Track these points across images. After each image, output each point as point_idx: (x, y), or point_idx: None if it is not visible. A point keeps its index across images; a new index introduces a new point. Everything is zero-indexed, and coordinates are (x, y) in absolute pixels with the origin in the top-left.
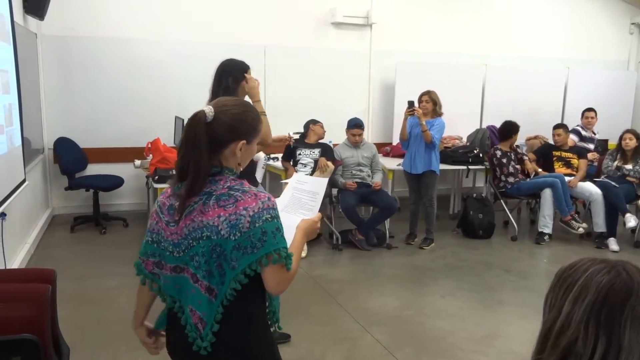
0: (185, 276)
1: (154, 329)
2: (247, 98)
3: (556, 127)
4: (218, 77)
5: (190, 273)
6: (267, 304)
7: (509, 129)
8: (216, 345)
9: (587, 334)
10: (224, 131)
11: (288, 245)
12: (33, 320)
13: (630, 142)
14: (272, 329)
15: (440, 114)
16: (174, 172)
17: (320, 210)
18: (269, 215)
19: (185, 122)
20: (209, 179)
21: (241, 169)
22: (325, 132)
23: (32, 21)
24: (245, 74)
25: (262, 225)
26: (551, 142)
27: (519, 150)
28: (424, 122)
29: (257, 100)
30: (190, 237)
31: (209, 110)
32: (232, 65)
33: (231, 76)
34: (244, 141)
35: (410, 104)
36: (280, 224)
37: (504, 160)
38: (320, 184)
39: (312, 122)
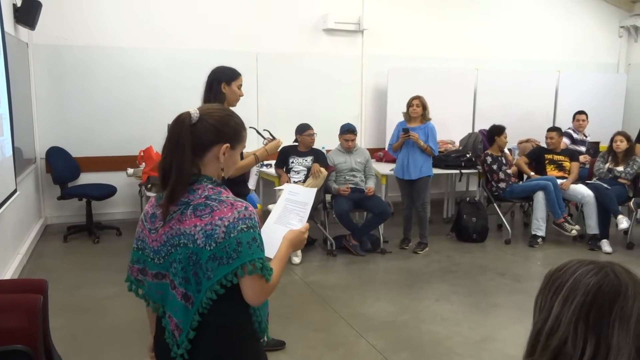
0: (166, 282)
1: None
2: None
3: (549, 130)
4: (209, 83)
5: (169, 279)
6: (252, 313)
7: (491, 132)
8: (192, 353)
9: (577, 335)
10: (208, 133)
11: (273, 255)
12: (24, 331)
13: (621, 144)
14: (261, 340)
15: (428, 119)
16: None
17: (314, 217)
18: (245, 226)
19: (170, 124)
20: (187, 188)
21: (224, 176)
22: (313, 139)
23: (22, 31)
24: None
25: (237, 235)
26: (543, 145)
27: (507, 151)
28: (422, 143)
29: (267, 150)
30: (168, 243)
31: (194, 111)
32: (221, 71)
33: (222, 82)
34: (228, 145)
35: (406, 130)
36: (258, 233)
37: (495, 167)
38: (309, 194)
39: (298, 132)
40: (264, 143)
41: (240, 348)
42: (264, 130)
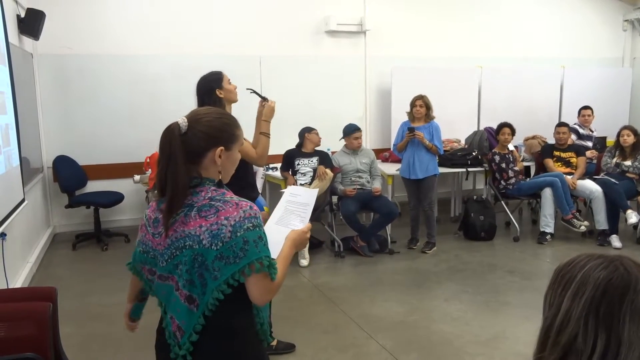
0: (170, 284)
1: (130, 316)
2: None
3: (560, 125)
4: (200, 99)
5: (174, 281)
6: (255, 315)
7: (496, 130)
8: (195, 354)
9: (587, 330)
10: (199, 140)
11: (275, 256)
12: (35, 338)
13: (628, 139)
14: (263, 343)
15: (432, 118)
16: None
17: (321, 219)
18: (251, 224)
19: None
20: (190, 190)
21: (221, 177)
22: (321, 139)
23: (27, 41)
24: (269, 100)
25: (243, 234)
26: (549, 141)
27: (513, 148)
28: (427, 142)
29: (268, 120)
30: (173, 246)
31: (183, 121)
32: (208, 80)
33: (214, 90)
34: (222, 148)
35: (411, 129)
36: (263, 232)
37: (503, 165)
38: (310, 195)
39: (306, 131)
40: (262, 104)
41: (245, 351)
42: (247, 89)
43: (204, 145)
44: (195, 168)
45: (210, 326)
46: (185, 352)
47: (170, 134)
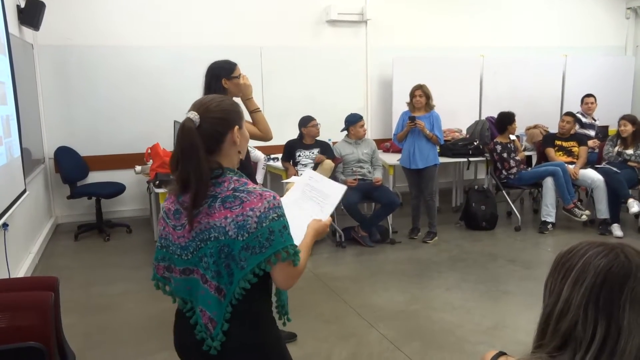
0: (195, 277)
1: None
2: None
3: (566, 114)
4: (207, 82)
5: (199, 274)
6: (274, 299)
7: (504, 121)
8: (226, 343)
9: (587, 318)
10: (216, 126)
11: (297, 243)
12: (37, 327)
13: (626, 128)
14: (282, 322)
15: (432, 107)
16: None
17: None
18: (275, 215)
19: (176, 133)
20: (212, 181)
21: (242, 157)
22: (317, 127)
23: (27, 32)
24: (241, 74)
25: (269, 224)
26: (551, 130)
27: (515, 138)
28: (427, 132)
29: (250, 97)
30: (197, 239)
31: (194, 115)
32: (219, 67)
33: (221, 78)
34: (237, 126)
35: (412, 119)
36: (287, 221)
37: (505, 155)
38: (337, 190)
39: (303, 124)
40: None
41: (266, 333)
42: None
43: (221, 130)
44: (215, 158)
45: (236, 313)
46: (219, 342)
47: (189, 131)
